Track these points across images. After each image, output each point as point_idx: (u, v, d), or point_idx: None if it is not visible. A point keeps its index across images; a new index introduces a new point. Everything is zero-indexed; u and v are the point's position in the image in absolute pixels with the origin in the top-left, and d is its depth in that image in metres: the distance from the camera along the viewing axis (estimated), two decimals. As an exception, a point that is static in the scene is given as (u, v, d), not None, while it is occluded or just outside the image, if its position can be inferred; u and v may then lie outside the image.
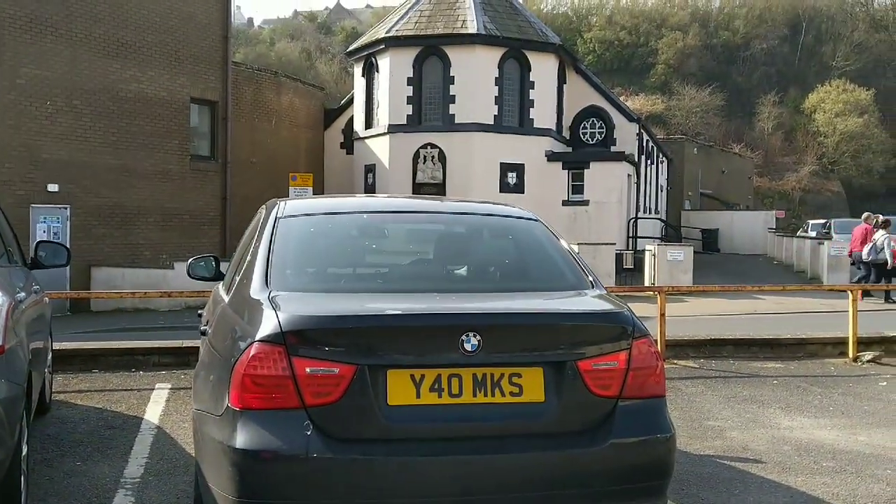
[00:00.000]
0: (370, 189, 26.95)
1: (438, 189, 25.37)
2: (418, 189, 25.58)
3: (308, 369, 3.32)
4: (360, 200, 5.23)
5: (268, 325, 3.38)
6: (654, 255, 20.51)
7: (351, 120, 29.35)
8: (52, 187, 18.91)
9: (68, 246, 6.22)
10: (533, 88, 26.28)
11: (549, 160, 26.54)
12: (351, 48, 29.60)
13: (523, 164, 26.08)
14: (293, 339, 3.32)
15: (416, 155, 25.85)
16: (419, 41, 25.82)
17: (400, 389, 3.36)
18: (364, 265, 4.33)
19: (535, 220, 4.58)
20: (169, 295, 10.09)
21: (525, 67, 26.25)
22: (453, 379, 3.39)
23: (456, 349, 3.35)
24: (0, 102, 18.14)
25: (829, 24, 70.93)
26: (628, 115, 29.31)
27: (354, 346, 3.37)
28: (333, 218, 4.63)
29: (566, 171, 26.58)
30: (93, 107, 19.93)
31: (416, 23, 26.12)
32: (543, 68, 26.59)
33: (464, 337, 3.35)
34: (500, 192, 25.04)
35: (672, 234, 35.84)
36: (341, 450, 3.30)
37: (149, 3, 21.11)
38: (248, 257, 4.27)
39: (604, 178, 26.28)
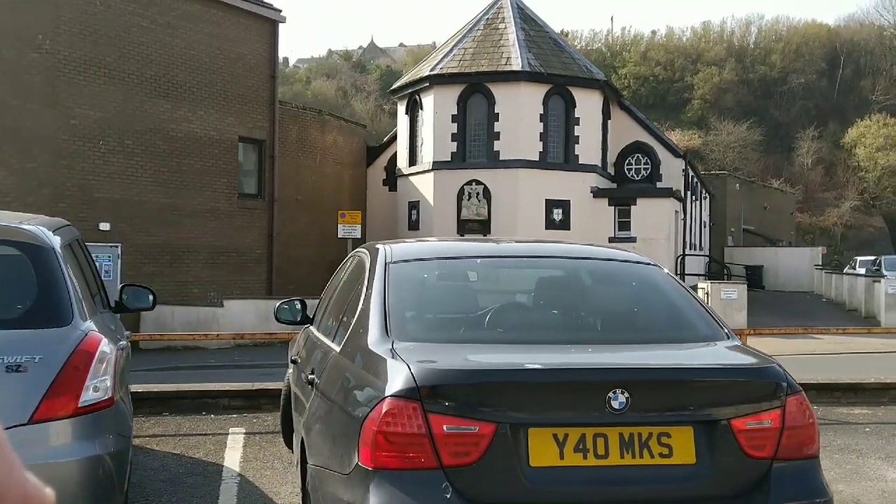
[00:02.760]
0: (413, 226, 26.90)
1: (483, 226, 25.25)
2: (462, 226, 25.49)
3: (445, 427, 3.14)
4: (471, 245, 5.06)
5: (400, 379, 3.21)
6: (707, 293, 20.18)
7: (393, 157, 29.42)
8: (104, 226, 19.02)
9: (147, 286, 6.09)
10: (578, 124, 26.20)
11: (594, 196, 26.36)
12: (395, 86, 29.76)
13: (569, 201, 25.91)
14: (428, 395, 3.15)
15: (461, 192, 25.78)
16: (464, 78, 25.88)
17: (542, 450, 3.17)
18: (484, 313, 4.15)
19: (656, 266, 4.39)
20: (241, 336, 9.96)
21: (570, 103, 26.18)
22: (599, 439, 3.20)
23: (602, 407, 3.16)
24: (55, 143, 18.33)
25: (868, 58, 70.37)
26: (674, 151, 29.11)
27: (494, 403, 3.19)
28: (446, 263, 4.47)
29: (612, 207, 26.37)
30: (144, 146, 20.10)
31: (460, 60, 26.21)
32: (588, 104, 26.51)
33: (611, 394, 3.15)
34: (546, 228, 24.89)
35: (717, 270, 35.38)
36: (483, 514, 3.11)
37: (199, 44, 21.35)
38: (360, 304, 4.10)
39: (651, 215, 26.03)
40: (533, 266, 4.53)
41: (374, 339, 3.69)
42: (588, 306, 4.19)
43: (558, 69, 26.07)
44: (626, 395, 3.14)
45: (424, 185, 26.70)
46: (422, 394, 3.14)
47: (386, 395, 3.19)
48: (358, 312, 4.05)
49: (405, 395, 3.15)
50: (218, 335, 11.30)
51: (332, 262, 26.26)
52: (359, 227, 22.87)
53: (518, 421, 3.15)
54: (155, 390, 8.29)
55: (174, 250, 20.85)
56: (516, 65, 25.41)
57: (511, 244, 5.08)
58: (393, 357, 3.40)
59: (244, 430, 7.59)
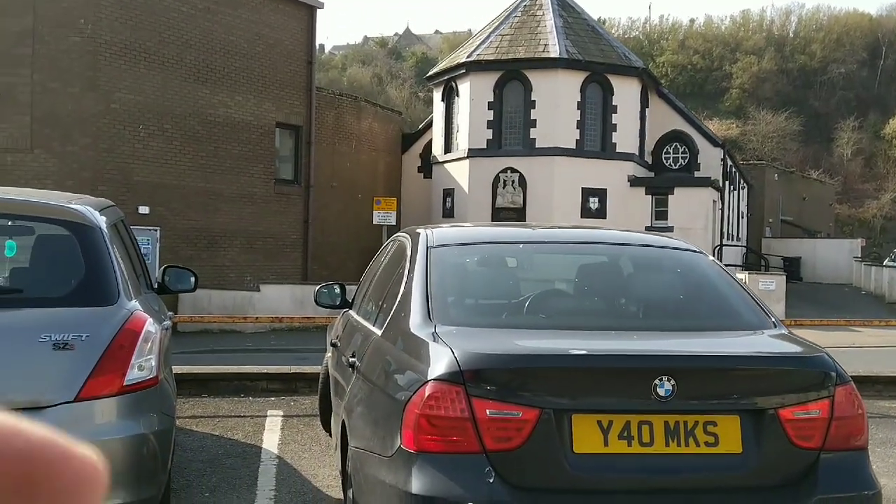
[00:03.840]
0: (448, 214, 26.87)
1: (518, 214, 25.17)
2: (497, 214, 25.42)
3: (489, 412, 3.13)
4: (513, 230, 5.03)
5: (443, 362, 3.20)
6: (744, 283, 19.95)
7: (429, 144, 29.38)
8: (143, 209, 19.22)
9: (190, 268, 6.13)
10: (615, 112, 25.99)
11: (631, 185, 26.15)
12: (431, 73, 29.69)
13: (605, 189, 25.73)
14: (472, 379, 3.14)
15: (496, 179, 25.70)
16: (500, 65, 25.75)
17: (586, 436, 3.14)
18: (526, 298, 4.13)
19: (701, 253, 4.33)
20: (280, 320, 10.01)
21: (608, 91, 25.97)
22: (644, 426, 3.17)
23: (648, 394, 3.12)
24: (95, 126, 18.54)
25: (911, 47, 69.09)
26: (712, 140, 28.76)
27: (538, 388, 3.17)
28: (488, 248, 4.45)
29: (649, 196, 26.16)
30: (182, 131, 20.27)
31: (497, 47, 26.08)
32: (626, 92, 26.28)
33: (657, 381, 3.12)
34: (582, 217, 24.74)
35: (754, 261, 34.97)
36: (526, 500, 3.10)
37: (237, 29, 21.45)
38: (402, 288, 4.10)
39: (689, 204, 25.78)
40: (576, 252, 4.49)
41: (416, 322, 3.68)
42: (632, 293, 4.16)
43: (596, 56, 25.86)
44: (673, 382, 3.11)
45: (459, 173, 26.65)
46: (465, 377, 3.13)
47: (429, 378, 3.18)
48: (399, 296, 4.05)
49: (448, 378, 3.14)
50: (257, 318, 11.40)
51: (366, 248, 26.37)
52: (394, 213, 22.89)
53: (562, 407, 3.13)
54: (194, 372, 8.37)
55: (211, 234, 21.03)
56: (554, 52, 25.23)
57: (553, 230, 5.05)
58: (435, 341, 3.40)
59: (282, 413, 7.64)
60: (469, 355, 3.19)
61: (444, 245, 4.26)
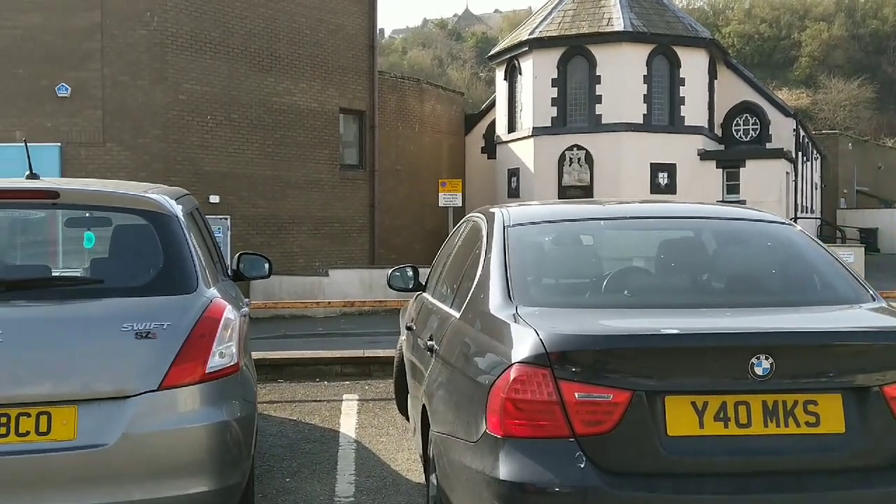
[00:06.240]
0: (513, 194, 26.70)
1: (585, 192, 24.87)
2: (564, 192, 25.16)
3: (577, 394, 3.03)
4: (591, 207, 4.88)
5: (527, 344, 3.11)
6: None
7: (492, 124, 29.21)
8: (214, 198, 19.49)
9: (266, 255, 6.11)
10: (683, 85, 25.46)
11: (701, 159, 25.61)
12: (492, 52, 29.48)
13: (675, 164, 25.26)
14: (559, 361, 3.04)
15: (562, 157, 25.42)
16: (563, 41, 25.41)
17: (680, 418, 3.02)
18: (609, 276, 4.00)
19: (792, 225, 4.15)
20: (352, 304, 10.03)
21: (674, 64, 25.44)
22: (740, 407, 3.03)
23: (744, 373, 2.99)
24: (165, 118, 18.84)
25: None
26: (784, 110, 28.00)
27: (628, 370, 3.05)
28: (567, 226, 4.32)
29: (720, 169, 25.60)
30: (249, 119, 20.47)
31: (560, 23, 25.73)
32: (693, 64, 25.70)
33: (754, 360, 2.98)
34: (651, 193, 24.35)
35: (829, 234, 34.03)
36: (619, 485, 2.99)
37: (300, 17, 21.55)
38: (479, 270, 4.01)
39: (761, 177, 25.16)
40: (658, 227, 4.33)
41: (496, 304, 3.60)
42: (720, 268, 3.99)
43: (662, 28, 25.32)
44: (771, 360, 2.97)
45: (524, 152, 26.43)
46: (551, 360, 3.03)
47: (514, 361, 3.10)
48: (477, 278, 3.97)
49: (534, 361, 3.05)
50: (330, 303, 11.48)
51: (431, 230, 26.42)
52: (459, 195, 22.82)
53: (654, 388, 3.02)
54: (271, 357, 8.43)
55: (279, 221, 21.26)
56: (618, 25, 24.80)
57: (631, 205, 4.89)
58: (518, 322, 3.31)
59: (357, 397, 7.65)
60: (555, 336, 3.09)
61: (520, 224, 4.16)
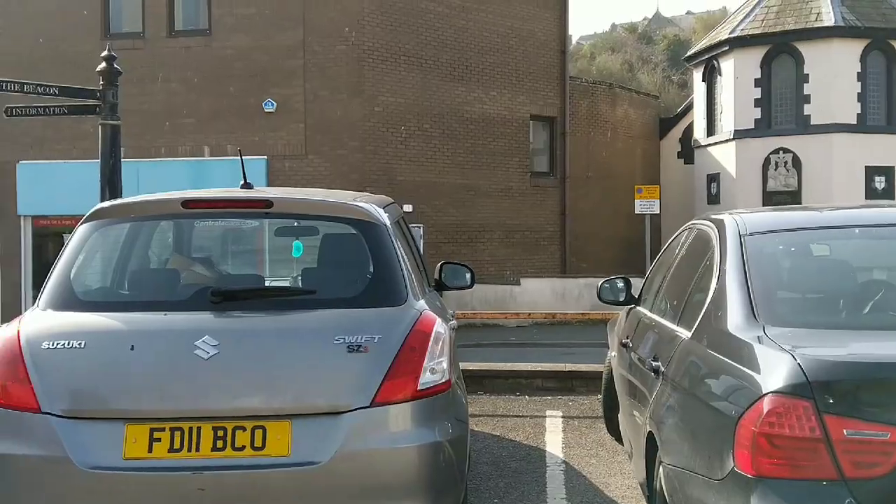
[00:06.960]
0: (713, 200, 25.51)
1: (793, 198, 23.35)
2: (769, 199, 23.76)
3: (846, 431, 2.58)
4: (837, 213, 4.34)
5: (783, 372, 2.69)
6: None
7: (688, 128, 28.11)
8: (408, 207, 19.74)
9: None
10: (902, 81, 23.43)
11: (925, 162, 23.48)
12: (689, 53, 28.38)
13: (893, 167, 23.28)
14: (823, 392, 2.60)
15: (766, 161, 24.01)
16: (767, 39, 24.02)
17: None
18: (867, 293, 3.49)
19: None
20: (553, 316, 9.73)
21: (892, 59, 23.46)
22: None
23: None
24: (361, 129, 19.31)
25: None
26: None
27: None
28: (812, 234, 3.83)
29: (947, 173, 23.35)
30: (441, 129, 20.66)
31: (762, 20, 24.35)
32: (914, 58, 23.60)
33: None
34: (866, 198, 22.51)
35: None
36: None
37: (490, 25, 21.55)
38: (713, 283, 3.59)
39: None
40: None
41: (737, 323, 3.20)
42: None
43: (877, 21, 23.42)
44: None
45: (725, 156, 25.20)
46: (814, 390, 2.61)
47: (767, 391, 2.70)
48: (711, 293, 3.56)
49: (792, 391, 2.64)
50: (529, 314, 11.28)
51: (625, 238, 25.67)
52: (657, 202, 22.01)
53: (944, 427, 2.53)
54: (470, 369, 8.26)
55: (470, 230, 21.29)
56: (828, 20, 23.16)
57: (880, 210, 4.30)
58: (766, 344, 2.90)
59: (561, 413, 7.32)
60: (818, 363, 2.67)
61: (759, 233, 3.72)
